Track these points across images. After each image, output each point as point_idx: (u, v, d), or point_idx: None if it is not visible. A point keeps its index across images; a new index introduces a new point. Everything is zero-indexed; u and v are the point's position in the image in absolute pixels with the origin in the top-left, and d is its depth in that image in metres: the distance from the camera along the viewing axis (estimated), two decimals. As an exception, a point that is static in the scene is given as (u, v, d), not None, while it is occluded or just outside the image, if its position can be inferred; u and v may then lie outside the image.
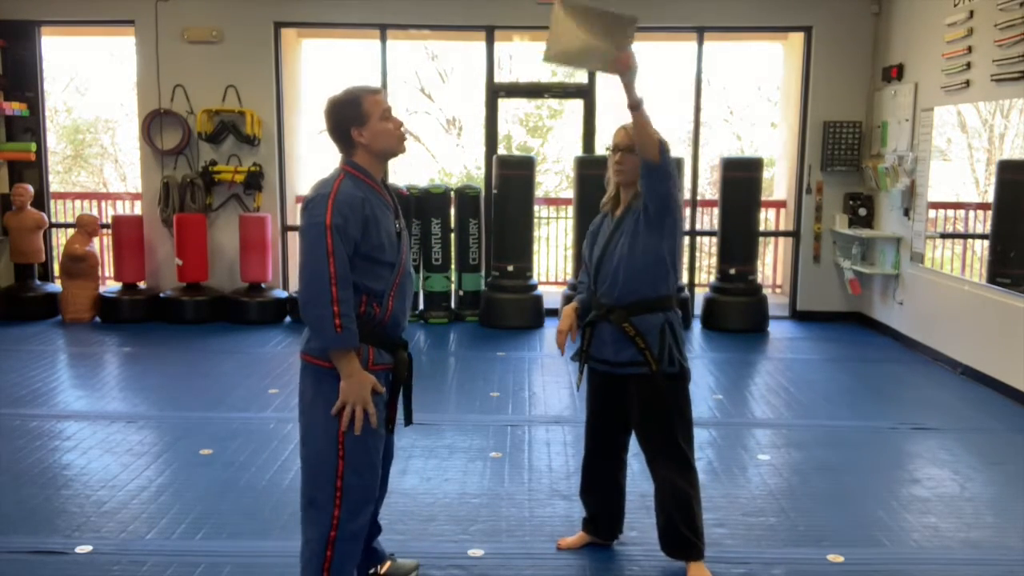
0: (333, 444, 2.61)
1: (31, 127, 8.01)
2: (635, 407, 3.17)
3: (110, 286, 8.18)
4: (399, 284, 2.70)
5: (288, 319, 7.76)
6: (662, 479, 3.19)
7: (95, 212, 9.09)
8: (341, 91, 2.70)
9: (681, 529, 3.17)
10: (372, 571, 3.06)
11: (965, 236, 6.88)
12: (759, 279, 7.90)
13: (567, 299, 7.71)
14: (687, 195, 7.97)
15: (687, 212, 8.02)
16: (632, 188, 3.14)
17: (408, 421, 2.93)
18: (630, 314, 3.10)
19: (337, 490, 2.62)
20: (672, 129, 11.79)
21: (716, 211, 8.00)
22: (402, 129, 2.73)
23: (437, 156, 15.20)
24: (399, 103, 13.79)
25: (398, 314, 2.72)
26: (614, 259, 3.12)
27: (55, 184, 10.96)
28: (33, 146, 7.90)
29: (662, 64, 12.53)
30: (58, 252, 8.35)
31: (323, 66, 10.90)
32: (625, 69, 2.82)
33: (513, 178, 7.67)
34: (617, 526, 3.45)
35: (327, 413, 2.62)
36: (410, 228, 7.65)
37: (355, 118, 2.66)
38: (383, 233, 2.63)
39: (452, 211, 7.86)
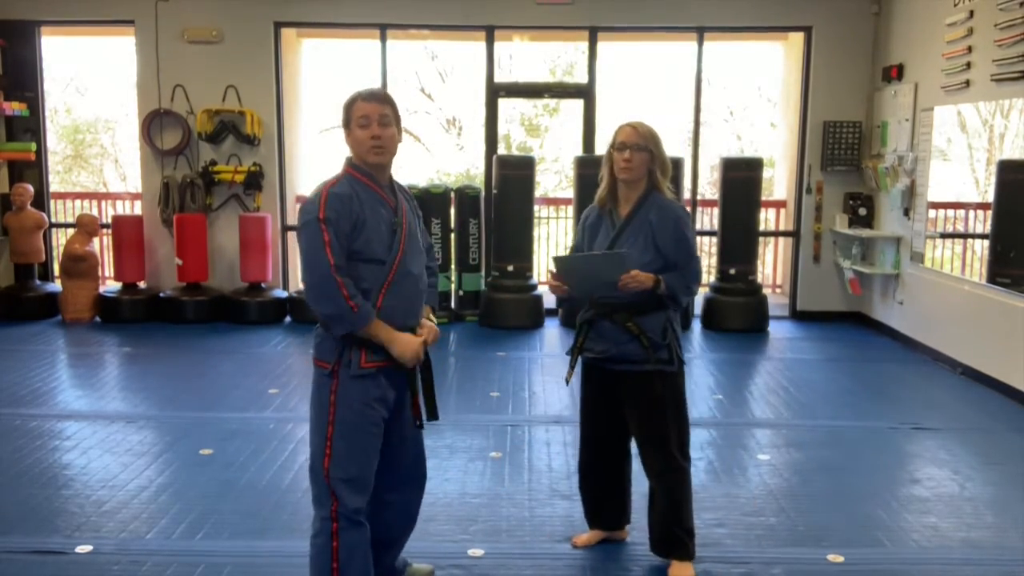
0: (323, 442, 2.68)
1: (31, 127, 8.00)
2: (630, 403, 3.18)
3: (110, 286, 8.18)
4: (391, 282, 2.68)
5: (288, 319, 7.76)
6: (655, 475, 3.21)
7: (95, 212, 9.09)
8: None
9: (672, 527, 3.18)
10: None
11: (965, 236, 6.88)
12: (759, 279, 7.90)
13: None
14: (687, 195, 7.97)
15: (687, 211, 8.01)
16: (638, 187, 3.14)
17: (431, 416, 2.90)
18: (634, 314, 3.10)
19: (328, 488, 2.67)
20: (672, 129, 11.78)
21: (716, 211, 8.00)
22: (375, 139, 2.66)
23: (437, 156, 15.20)
24: (399, 103, 13.71)
25: (389, 312, 2.67)
26: None
27: (55, 184, 10.95)
28: (33, 146, 7.90)
29: (662, 64, 12.54)
30: (58, 252, 8.35)
31: (323, 66, 10.90)
32: (627, 290, 3.03)
33: (513, 178, 7.67)
34: (624, 514, 3.44)
35: (319, 412, 2.70)
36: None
37: (344, 121, 2.73)
38: (372, 231, 2.65)
39: (452, 211, 7.86)
